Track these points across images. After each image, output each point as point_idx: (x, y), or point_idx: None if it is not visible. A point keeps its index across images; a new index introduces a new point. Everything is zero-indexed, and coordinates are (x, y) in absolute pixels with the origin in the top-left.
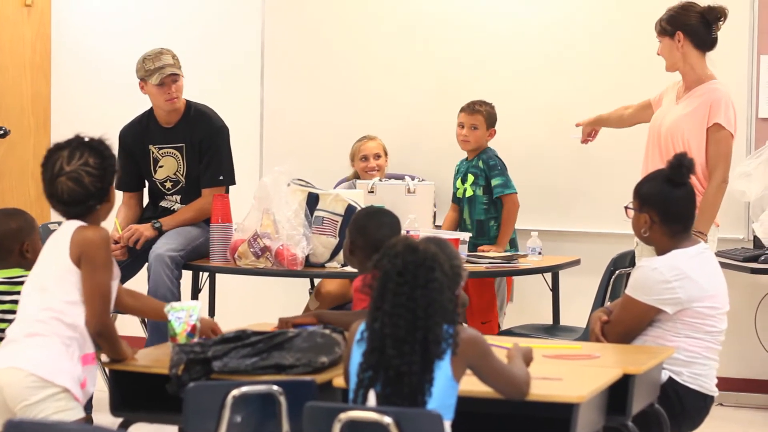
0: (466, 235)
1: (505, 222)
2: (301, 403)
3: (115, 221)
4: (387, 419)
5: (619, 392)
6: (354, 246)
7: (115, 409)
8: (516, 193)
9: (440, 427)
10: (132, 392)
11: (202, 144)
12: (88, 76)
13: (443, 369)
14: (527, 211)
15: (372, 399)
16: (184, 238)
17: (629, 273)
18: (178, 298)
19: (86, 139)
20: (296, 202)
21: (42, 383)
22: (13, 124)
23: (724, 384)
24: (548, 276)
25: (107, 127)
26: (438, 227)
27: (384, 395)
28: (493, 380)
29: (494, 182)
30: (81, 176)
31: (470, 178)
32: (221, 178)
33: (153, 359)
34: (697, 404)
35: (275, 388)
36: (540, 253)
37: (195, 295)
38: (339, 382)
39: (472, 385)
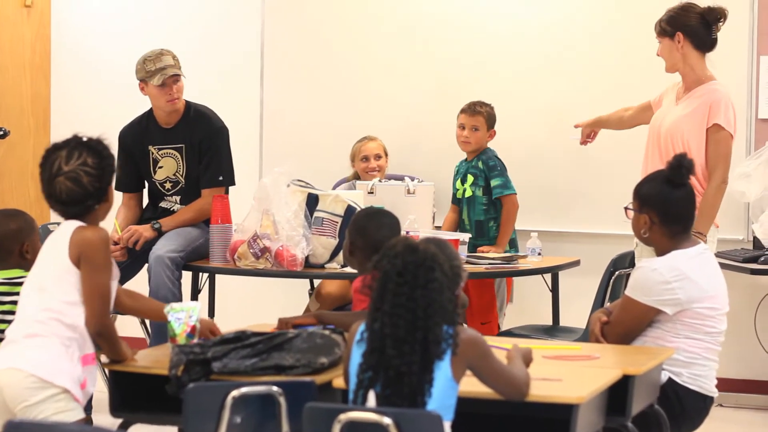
0: (465, 236)
1: (504, 223)
2: (301, 404)
3: (114, 222)
4: (387, 420)
5: (618, 393)
6: (354, 247)
7: (115, 409)
8: (515, 193)
9: (440, 427)
10: (132, 393)
11: (201, 144)
12: (87, 76)
13: (443, 369)
14: (527, 212)
15: (372, 400)
16: (184, 239)
17: (629, 274)
18: (179, 299)
19: (84, 139)
20: (296, 203)
21: (42, 384)
22: (13, 125)
23: (724, 385)
24: (548, 277)
25: (107, 127)
26: (437, 228)
27: (384, 396)
28: (492, 381)
29: (494, 183)
30: (79, 176)
31: (470, 178)
32: (221, 178)
33: (153, 360)
34: (697, 405)
35: (275, 388)
36: (540, 254)
37: (195, 296)
38: (339, 382)
39: (471, 385)
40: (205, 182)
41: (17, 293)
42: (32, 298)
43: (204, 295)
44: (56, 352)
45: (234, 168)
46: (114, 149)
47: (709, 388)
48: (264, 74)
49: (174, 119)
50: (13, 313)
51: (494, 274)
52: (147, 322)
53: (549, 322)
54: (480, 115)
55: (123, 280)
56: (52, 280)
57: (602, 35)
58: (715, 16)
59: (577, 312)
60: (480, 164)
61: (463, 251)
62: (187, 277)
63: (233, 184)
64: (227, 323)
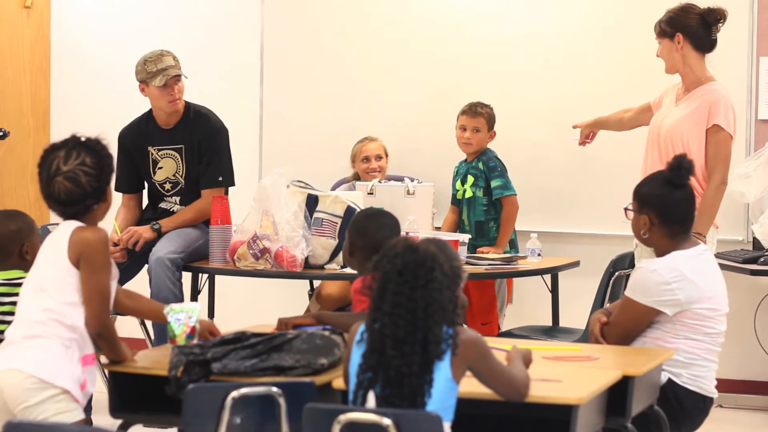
0: (465, 237)
1: (504, 223)
2: (301, 405)
3: (114, 223)
4: (386, 421)
5: (618, 394)
6: (353, 247)
7: (115, 410)
8: (515, 194)
9: (440, 428)
10: (131, 394)
11: (201, 145)
12: (87, 77)
13: (443, 370)
14: (527, 213)
15: (371, 400)
16: (184, 240)
17: (629, 274)
18: (181, 300)
19: (83, 139)
20: (296, 204)
21: (42, 385)
22: (13, 126)
23: (724, 385)
24: (548, 277)
25: (106, 128)
26: (437, 229)
27: (383, 396)
28: (492, 381)
29: (494, 184)
30: (78, 176)
31: (470, 179)
32: (221, 179)
33: (152, 361)
34: (697, 406)
35: (274, 389)
36: (539, 255)
37: (194, 297)
38: (338, 383)
39: (471, 386)
40: (204, 183)
41: (17, 294)
42: (32, 299)
43: (204, 295)
44: (56, 353)
45: (234, 169)
46: (113, 150)
47: (709, 388)
48: (264, 75)
49: (174, 120)
50: (12, 314)
51: (494, 274)
52: (147, 322)
53: (549, 322)
54: (481, 117)
55: (123, 280)
56: (52, 281)
57: (602, 36)
58: (715, 17)
59: (576, 313)
60: (480, 165)
61: (462, 252)
62: (186, 277)
63: (233, 184)
64: (227, 324)
